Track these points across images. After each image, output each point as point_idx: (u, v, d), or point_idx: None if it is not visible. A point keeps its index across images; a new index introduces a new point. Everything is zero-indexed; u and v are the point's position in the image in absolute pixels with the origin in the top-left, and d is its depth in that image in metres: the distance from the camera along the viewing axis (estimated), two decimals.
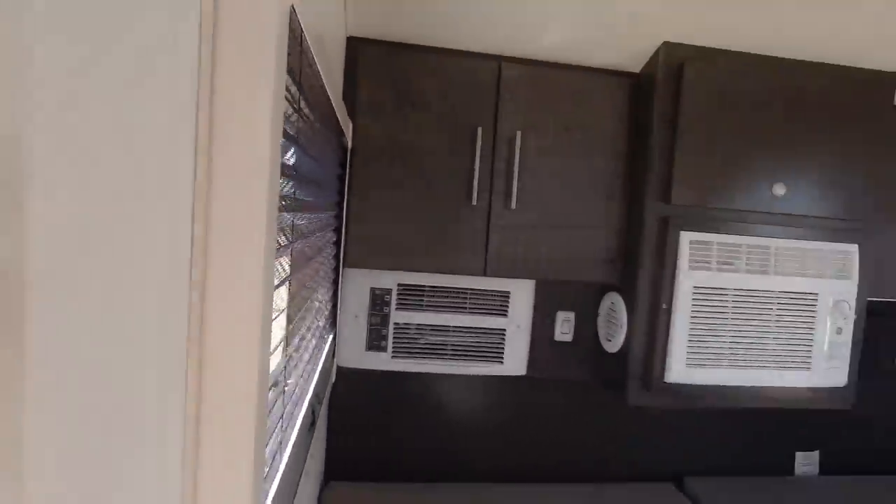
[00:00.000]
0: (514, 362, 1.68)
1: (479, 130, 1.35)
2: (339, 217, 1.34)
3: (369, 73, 1.31)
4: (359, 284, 1.55)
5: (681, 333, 1.39)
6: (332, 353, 1.48)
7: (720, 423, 1.90)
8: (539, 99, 1.40)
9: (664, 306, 1.39)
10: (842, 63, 1.41)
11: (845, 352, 1.48)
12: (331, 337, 1.44)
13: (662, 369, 1.41)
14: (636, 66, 1.45)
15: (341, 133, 1.21)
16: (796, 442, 1.98)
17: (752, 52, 1.39)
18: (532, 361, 1.69)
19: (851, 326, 1.47)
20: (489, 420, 1.76)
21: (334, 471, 1.66)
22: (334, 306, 1.45)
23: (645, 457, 1.85)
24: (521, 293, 1.65)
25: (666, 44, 1.35)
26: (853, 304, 1.47)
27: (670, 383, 1.41)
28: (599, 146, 1.45)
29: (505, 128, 1.38)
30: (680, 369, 1.40)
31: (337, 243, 1.36)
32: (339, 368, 1.57)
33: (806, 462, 1.99)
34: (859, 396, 1.53)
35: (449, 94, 1.36)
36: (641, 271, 1.41)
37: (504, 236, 1.41)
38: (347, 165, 1.36)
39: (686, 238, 1.38)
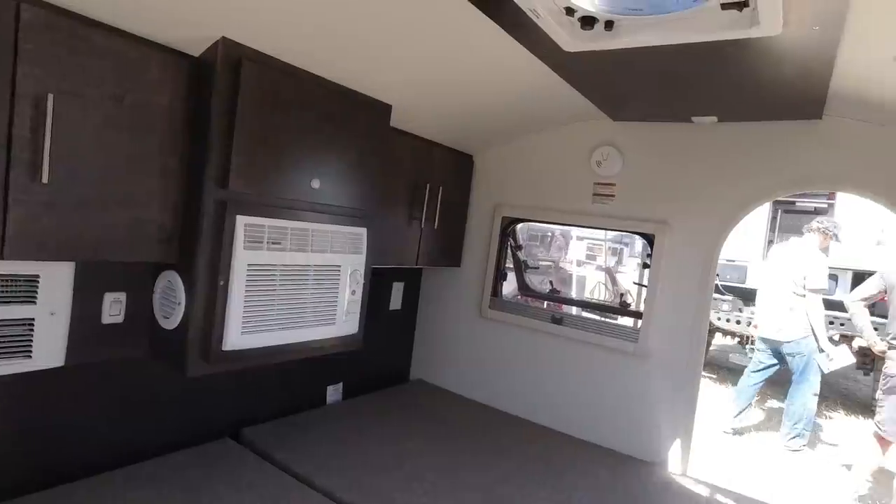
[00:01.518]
0: (48, 354, 1.47)
1: None
2: None
3: None
4: None
5: (237, 306, 1.55)
6: None
7: (270, 376, 2.20)
8: (80, 60, 1.24)
9: (221, 283, 1.52)
10: (357, 90, 1.84)
11: (357, 308, 1.99)
12: None
13: (220, 339, 1.54)
14: (195, 50, 1.48)
15: None
16: (328, 378, 2.52)
17: (301, 66, 1.64)
18: (73, 349, 1.52)
19: (361, 289, 1.99)
20: (16, 427, 1.49)
21: None
22: None
23: (205, 420, 1.97)
24: (57, 276, 1.45)
25: (224, 39, 1.44)
26: (363, 272, 1.98)
27: (227, 351, 1.56)
28: (155, 123, 1.41)
29: (29, 87, 1.17)
30: (236, 337, 1.57)
31: None
32: None
33: (334, 392, 2.55)
34: (366, 336, 2.09)
35: None
36: (200, 251, 1.48)
37: (31, 214, 1.20)
38: None
39: (242, 221, 1.53)
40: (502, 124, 2.46)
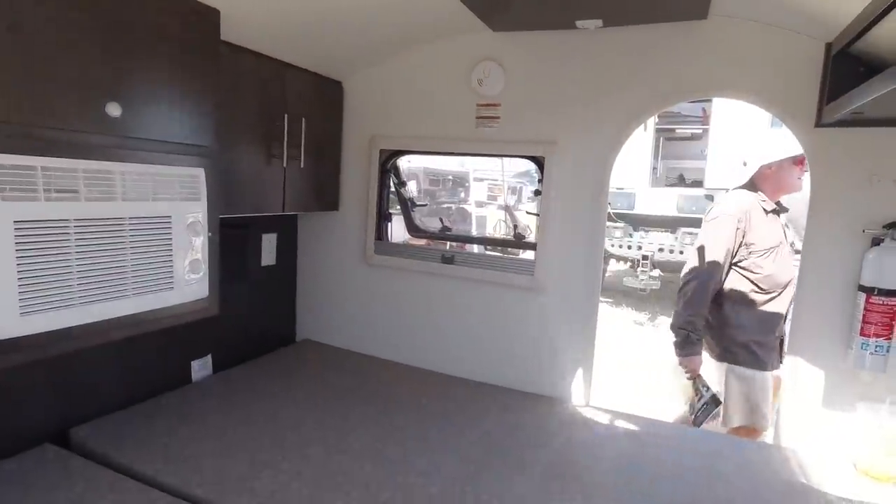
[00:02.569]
0: None
1: None
2: None
3: None
4: None
5: (6, 279, 1.14)
6: None
7: (107, 359, 1.80)
8: None
9: None
10: None
11: (204, 267, 1.63)
12: None
13: None
14: None
15: None
16: (190, 352, 2.14)
17: None
18: None
19: (206, 243, 1.62)
20: None
21: None
22: None
23: (8, 427, 1.55)
24: None
25: None
26: (205, 223, 1.61)
27: (2, 340, 1.16)
28: None
29: None
30: (11, 321, 1.17)
31: None
32: None
33: (201, 367, 2.19)
34: (234, 297, 1.74)
35: None
36: None
37: None
38: None
39: None
40: (368, 39, 2.10)
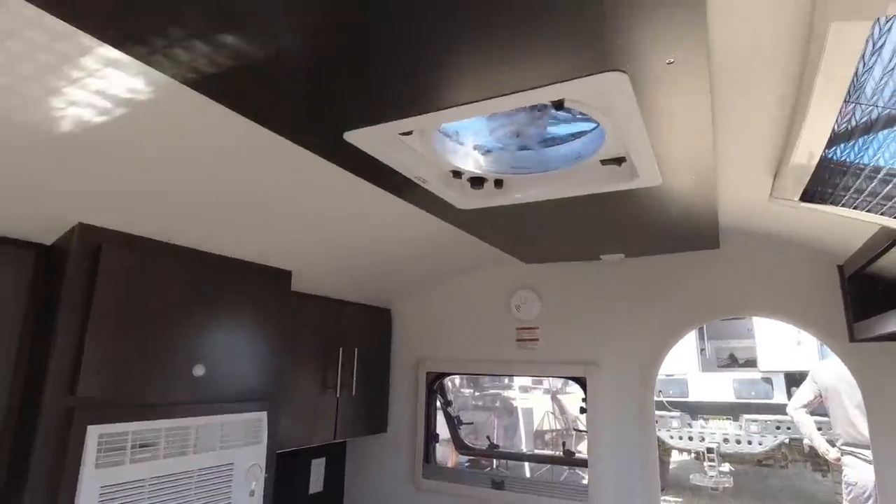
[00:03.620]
0: None
1: None
2: None
3: None
4: None
5: None
6: None
7: None
8: None
9: None
10: (249, 260, 1.71)
11: None
12: None
13: None
14: (46, 239, 1.31)
15: None
16: None
17: (177, 243, 1.50)
18: None
19: (262, 485, 1.67)
20: None
21: None
22: None
23: None
24: None
25: (82, 224, 1.28)
26: (264, 464, 1.68)
27: None
28: None
29: None
30: None
31: None
32: None
33: None
34: None
35: None
36: (33, 474, 1.17)
37: None
38: None
39: (94, 433, 1.25)
40: (414, 275, 2.38)
